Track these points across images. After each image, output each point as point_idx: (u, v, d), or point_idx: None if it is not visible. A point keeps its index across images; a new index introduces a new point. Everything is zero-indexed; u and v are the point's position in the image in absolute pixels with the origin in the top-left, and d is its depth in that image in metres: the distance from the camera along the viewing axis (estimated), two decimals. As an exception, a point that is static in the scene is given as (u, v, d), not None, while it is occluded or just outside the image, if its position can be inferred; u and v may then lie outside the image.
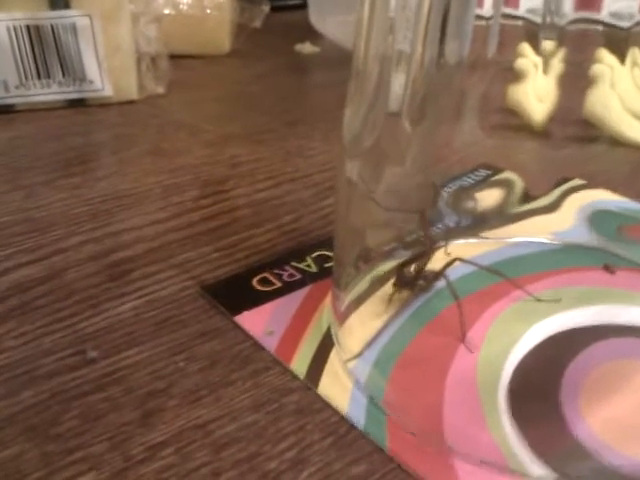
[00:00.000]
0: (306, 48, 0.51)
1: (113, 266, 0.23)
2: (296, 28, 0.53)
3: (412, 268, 0.20)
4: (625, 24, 0.17)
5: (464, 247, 0.23)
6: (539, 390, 0.18)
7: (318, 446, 0.16)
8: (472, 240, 0.24)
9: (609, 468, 0.16)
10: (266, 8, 0.46)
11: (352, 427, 0.17)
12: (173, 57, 0.42)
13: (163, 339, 0.20)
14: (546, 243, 0.23)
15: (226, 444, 0.16)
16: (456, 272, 0.21)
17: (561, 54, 0.17)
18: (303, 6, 0.54)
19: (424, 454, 0.16)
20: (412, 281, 0.20)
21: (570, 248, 0.22)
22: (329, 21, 0.53)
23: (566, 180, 0.23)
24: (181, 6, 0.45)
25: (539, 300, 0.20)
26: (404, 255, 0.23)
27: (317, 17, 0.54)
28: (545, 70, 0.17)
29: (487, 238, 0.23)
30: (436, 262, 0.20)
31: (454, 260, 0.20)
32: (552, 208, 0.23)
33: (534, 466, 0.16)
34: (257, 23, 0.47)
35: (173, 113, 0.39)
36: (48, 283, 0.23)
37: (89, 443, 0.16)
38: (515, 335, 0.19)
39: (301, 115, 0.39)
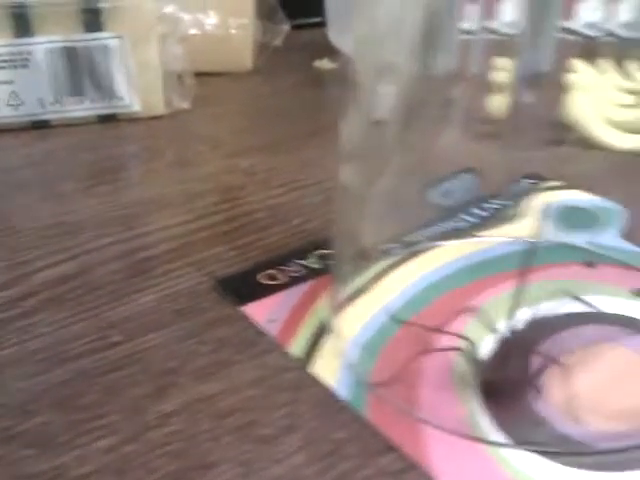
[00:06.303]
0: (325, 64, 0.53)
1: (137, 263, 0.26)
2: (315, 45, 0.55)
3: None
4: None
5: (455, 247, 0.25)
6: (510, 371, 0.20)
7: (308, 415, 0.19)
8: (463, 240, 0.26)
9: (561, 435, 0.18)
10: (286, 27, 0.49)
11: (338, 401, 0.19)
12: (198, 74, 0.45)
13: (178, 326, 0.22)
14: (530, 242, 0.24)
15: (227, 413, 0.19)
16: (446, 269, 0.23)
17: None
18: (322, 24, 0.57)
19: (399, 424, 0.18)
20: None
21: (552, 246, 0.24)
22: (347, 38, 0.55)
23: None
24: (206, 26, 0.47)
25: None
26: (401, 253, 0.25)
27: (336, 34, 0.56)
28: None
29: (477, 237, 0.25)
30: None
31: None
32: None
33: (495, 434, 0.18)
34: (278, 42, 0.49)
35: (197, 127, 0.41)
36: (76, 279, 0.25)
37: (110, 412, 0.19)
38: (492, 322, 0.21)
39: (318, 128, 0.41)
